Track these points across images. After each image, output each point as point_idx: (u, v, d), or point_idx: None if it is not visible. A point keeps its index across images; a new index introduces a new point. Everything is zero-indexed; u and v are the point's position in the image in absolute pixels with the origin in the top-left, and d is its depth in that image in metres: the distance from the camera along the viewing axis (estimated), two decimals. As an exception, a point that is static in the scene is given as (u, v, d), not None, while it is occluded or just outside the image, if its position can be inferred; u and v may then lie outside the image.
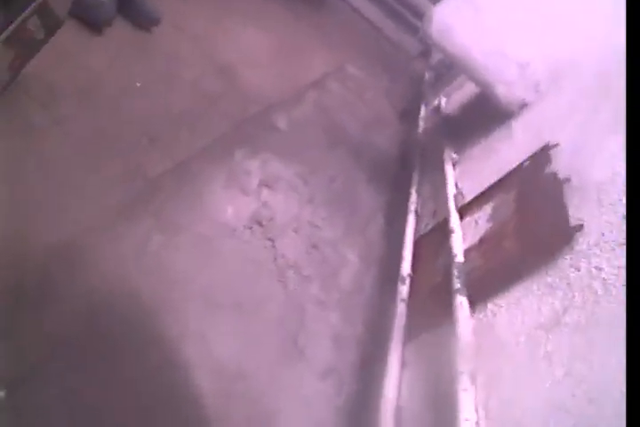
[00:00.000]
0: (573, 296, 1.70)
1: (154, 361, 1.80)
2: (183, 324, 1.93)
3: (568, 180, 2.21)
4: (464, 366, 1.77)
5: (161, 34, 3.11)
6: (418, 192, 3.63)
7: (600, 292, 1.62)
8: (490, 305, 2.02)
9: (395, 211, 3.57)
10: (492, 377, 1.73)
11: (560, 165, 2.40)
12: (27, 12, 1.32)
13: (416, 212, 3.35)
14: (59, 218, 1.83)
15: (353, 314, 2.60)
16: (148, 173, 2.26)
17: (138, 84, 2.60)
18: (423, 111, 5.58)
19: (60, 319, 1.66)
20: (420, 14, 9.40)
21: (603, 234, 1.79)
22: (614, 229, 1.77)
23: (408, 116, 5.76)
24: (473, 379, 1.73)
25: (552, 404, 1.51)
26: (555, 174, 2.35)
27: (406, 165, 4.36)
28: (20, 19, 1.31)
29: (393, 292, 2.61)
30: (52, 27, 1.66)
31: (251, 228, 2.53)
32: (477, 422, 1.61)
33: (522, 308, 1.87)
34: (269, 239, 2.58)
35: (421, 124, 5.19)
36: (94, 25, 2.69)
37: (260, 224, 2.59)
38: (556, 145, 2.58)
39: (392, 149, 4.79)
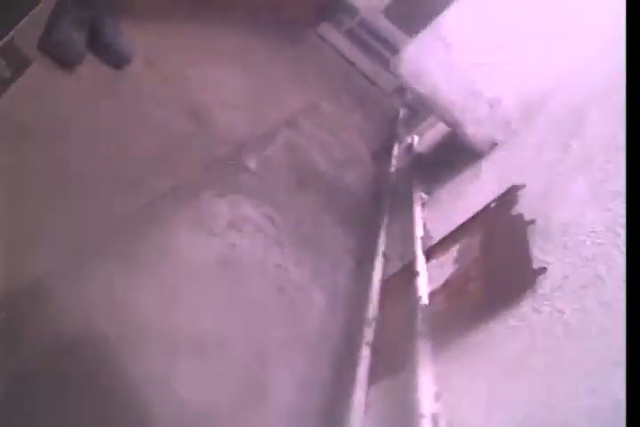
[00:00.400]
0: (535, 340, 1.69)
1: (117, 401, 1.78)
2: (148, 366, 1.91)
3: (533, 222, 2.21)
4: (425, 409, 1.75)
5: (133, 72, 3.09)
6: (387, 234, 3.62)
7: (561, 335, 1.61)
8: (453, 348, 2.00)
9: (364, 252, 3.56)
10: (455, 421, 1.71)
11: (526, 206, 2.40)
12: None
13: (384, 254, 3.34)
14: (26, 259, 1.81)
15: (318, 357, 2.57)
16: (115, 213, 2.24)
17: (106, 125, 2.58)
18: (396, 150, 5.61)
19: (25, 359, 1.64)
20: (395, 49, 9.52)
21: (566, 276, 1.78)
22: (577, 271, 1.76)
23: (381, 154, 5.78)
24: (435, 423, 1.71)
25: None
26: (520, 216, 2.34)
27: (377, 205, 4.35)
28: None
29: (359, 335, 2.59)
30: (19, 65, 1.65)
31: (217, 270, 2.51)
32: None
33: (484, 352, 1.85)
34: (235, 282, 2.55)
35: (394, 162, 5.21)
36: (64, 62, 2.66)
37: (226, 267, 2.57)
38: (523, 186, 2.58)
39: (364, 189, 4.79)
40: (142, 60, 3.20)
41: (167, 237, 2.41)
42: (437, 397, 1.82)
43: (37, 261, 1.84)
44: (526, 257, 2.03)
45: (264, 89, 4.76)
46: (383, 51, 9.82)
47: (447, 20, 3.47)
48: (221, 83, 4.09)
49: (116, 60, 3.04)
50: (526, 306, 1.83)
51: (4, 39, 1.43)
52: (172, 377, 1.97)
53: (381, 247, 3.39)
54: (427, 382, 1.87)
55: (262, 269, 2.76)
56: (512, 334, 1.80)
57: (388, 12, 10.68)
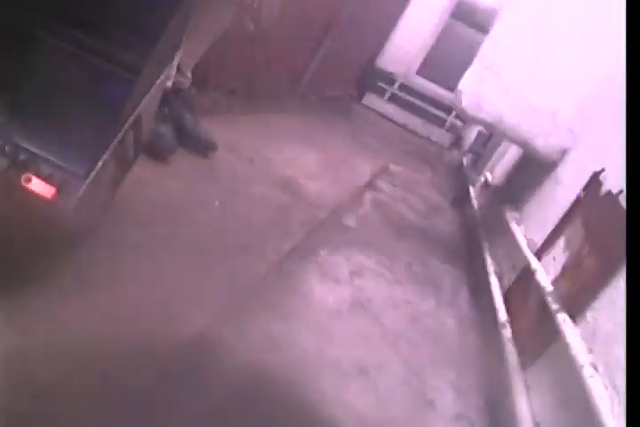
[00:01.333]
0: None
1: (305, 423, 1.96)
2: (323, 390, 2.09)
3: (621, 191, 2.40)
4: (583, 359, 1.91)
5: (219, 158, 3.40)
6: (492, 256, 3.79)
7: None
8: (588, 313, 2.17)
9: (475, 279, 3.74)
10: (612, 363, 1.87)
11: (611, 183, 2.59)
12: (126, 125, 1.54)
13: (496, 272, 3.50)
14: (180, 317, 2.03)
15: (466, 367, 2.74)
16: (248, 275, 2.47)
17: (216, 203, 2.85)
18: (472, 191, 5.80)
19: (209, 404, 1.82)
20: (441, 105, 9.80)
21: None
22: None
23: (459, 201, 5.99)
24: (595, 368, 1.87)
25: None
26: (609, 191, 2.53)
27: (472, 239, 4.55)
28: (122, 133, 1.52)
29: (497, 338, 2.76)
30: (139, 144, 1.88)
31: (354, 309, 2.72)
32: (610, 398, 1.74)
33: (616, 304, 2.03)
34: (373, 317, 2.76)
35: (475, 202, 5.40)
36: (160, 155, 2.94)
37: (361, 305, 2.78)
38: (603, 170, 2.77)
39: (454, 230, 5.03)
40: (224, 148, 3.51)
41: (303, 288, 2.64)
42: (589, 351, 1.99)
43: (194, 319, 2.06)
44: (623, 223, 2.20)
45: (336, 160, 5.09)
46: (429, 108, 10.08)
47: (489, 49, 3.71)
48: (298, 160, 4.43)
49: (204, 149, 3.35)
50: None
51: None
52: (348, 397, 2.16)
53: (491, 267, 3.56)
54: (576, 344, 2.04)
55: (393, 304, 2.97)
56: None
57: (422, 72, 11.03)
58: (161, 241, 2.29)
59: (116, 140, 1.51)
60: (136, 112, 1.60)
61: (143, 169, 1.81)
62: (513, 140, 3.92)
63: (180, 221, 2.52)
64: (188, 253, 2.34)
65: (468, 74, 3.75)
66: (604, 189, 2.63)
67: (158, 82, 1.67)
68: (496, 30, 3.78)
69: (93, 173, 1.43)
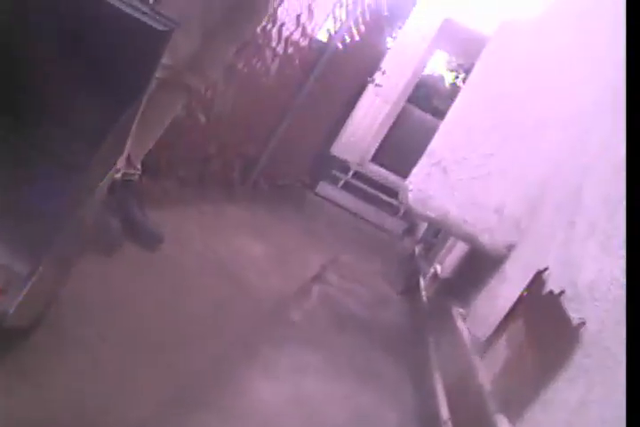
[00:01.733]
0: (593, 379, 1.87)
1: None
2: None
3: (563, 291, 2.42)
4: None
5: (166, 251, 3.38)
6: (436, 351, 3.79)
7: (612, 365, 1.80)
8: (526, 414, 2.17)
9: (419, 375, 3.72)
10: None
11: (553, 283, 2.62)
12: (71, 223, 1.53)
13: (440, 367, 3.49)
14: (120, 410, 2.00)
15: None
16: (188, 370, 2.44)
17: (159, 297, 2.83)
18: (422, 282, 5.82)
19: None
20: (395, 193, 9.92)
21: (602, 321, 1.99)
22: (610, 313, 1.97)
23: (408, 291, 6.01)
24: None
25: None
26: (551, 292, 2.56)
27: (418, 331, 4.54)
28: (65, 232, 1.52)
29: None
30: (82, 244, 1.87)
31: (293, 406, 2.69)
32: None
33: (555, 406, 2.03)
34: (313, 415, 2.73)
35: (423, 293, 5.41)
36: (105, 249, 2.90)
37: (300, 402, 2.75)
38: (546, 269, 2.80)
39: (399, 321, 5.03)
40: (172, 240, 3.50)
41: (243, 385, 2.61)
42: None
43: (133, 414, 2.02)
44: (566, 319, 2.23)
45: (285, 252, 5.09)
46: (382, 195, 10.18)
47: (437, 146, 3.77)
48: (246, 252, 4.41)
49: (151, 242, 3.32)
50: (578, 357, 2.02)
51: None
52: None
53: (435, 363, 3.55)
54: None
55: (333, 400, 2.94)
56: (571, 384, 1.99)
57: (377, 159, 11.19)
58: (102, 334, 2.26)
59: (60, 238, 1.50)
60: (81, 210, 1.60)
61: (87, 262, 1.80)
62: (459, 237, 3.96)
63: (121, 314, 2.49)
64: (128, 346, 2.31)
65: (415, 170, 3.80)
66: (546, 289, 2.65)
67: (104, 180, 1.67)
68: (445, 126, 3.86)
69: (37, 274, 1.42)
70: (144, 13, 1.41)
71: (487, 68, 3.82)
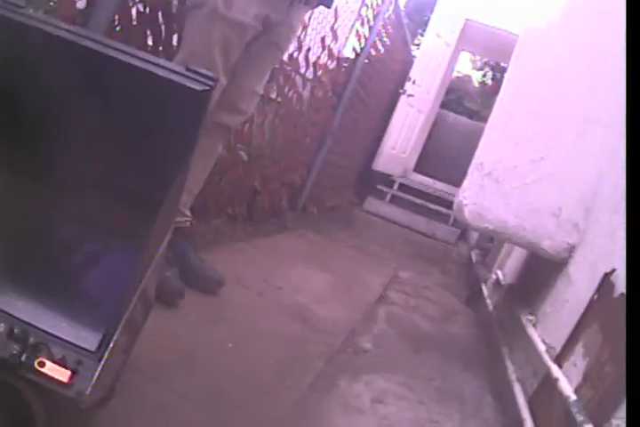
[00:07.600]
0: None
1: None
2: None
3: (635, 295, 2.39)
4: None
5: (228, 294, 3.40)
6: (512, 362, 3.75)
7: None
8: (614, 421, 2.14)
9: (498, 386, 3.69)
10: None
11: (622, 285, 2.58)
12: (134, 299, 1.53)
13: (518, 379, 3.46)
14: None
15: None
16: (269, 418, 2.44)
17: (230, 345, 2.83)
18: (486, 290, 5.77)
19: None
20: (443, 201, 9.89)
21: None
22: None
23: (473, 299, 5.97)
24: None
25: None
26: (622, 294, 2.52)
27: (490, 342, 4.51)
28: (131, 306, 1.51)
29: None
30: (147, 308, 1.88)
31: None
32: None
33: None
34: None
35: (489, 301, 5.37)
36: (168, 300, 2.94)
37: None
38: (614, 270, 2.76)
39: (470, 333, 4.99)
40: (231, 281, 3.52)
41: (331, 422, 2.62)
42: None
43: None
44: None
45: (344, 277, 5.09)
46: (430, 204, 10.14)
47: (484, 158, 3.75)
48: (306, 284, 4.43)
49: (211, 287, 3.35)
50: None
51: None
52: None
53: (513, 375, 3.51)
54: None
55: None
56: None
57: (419, 169, 11.16)
58: (178, 392, 2.28)
59: (126, 313, 1.50)
60: (144, 281, 1.59)
61: (152, 317, 1.81)
62: (521, 245, 3.93)
63: (194, 368, 2.51)
64: (209, 403, 2.32)
65: (466, 184, 3.77)
66: (617, 291, 2.62)
67: (162, 248, 1.68)
68: (488, 137, 3.83)
69: (107, 350, 1.42)
70: (179, 74, 1.41)
71: (520, 75, 3.79)
